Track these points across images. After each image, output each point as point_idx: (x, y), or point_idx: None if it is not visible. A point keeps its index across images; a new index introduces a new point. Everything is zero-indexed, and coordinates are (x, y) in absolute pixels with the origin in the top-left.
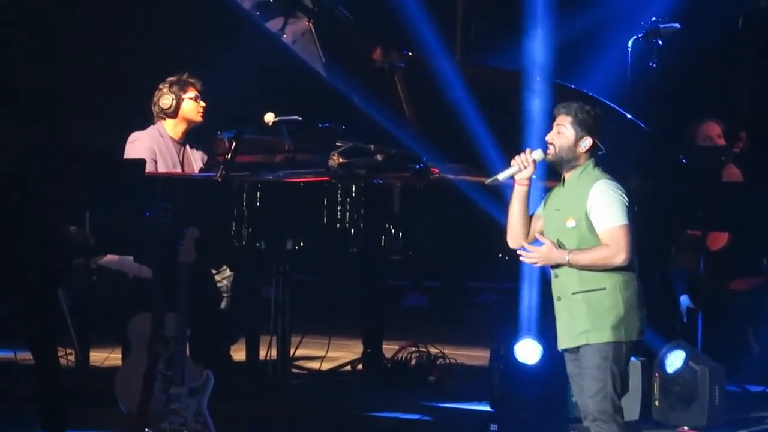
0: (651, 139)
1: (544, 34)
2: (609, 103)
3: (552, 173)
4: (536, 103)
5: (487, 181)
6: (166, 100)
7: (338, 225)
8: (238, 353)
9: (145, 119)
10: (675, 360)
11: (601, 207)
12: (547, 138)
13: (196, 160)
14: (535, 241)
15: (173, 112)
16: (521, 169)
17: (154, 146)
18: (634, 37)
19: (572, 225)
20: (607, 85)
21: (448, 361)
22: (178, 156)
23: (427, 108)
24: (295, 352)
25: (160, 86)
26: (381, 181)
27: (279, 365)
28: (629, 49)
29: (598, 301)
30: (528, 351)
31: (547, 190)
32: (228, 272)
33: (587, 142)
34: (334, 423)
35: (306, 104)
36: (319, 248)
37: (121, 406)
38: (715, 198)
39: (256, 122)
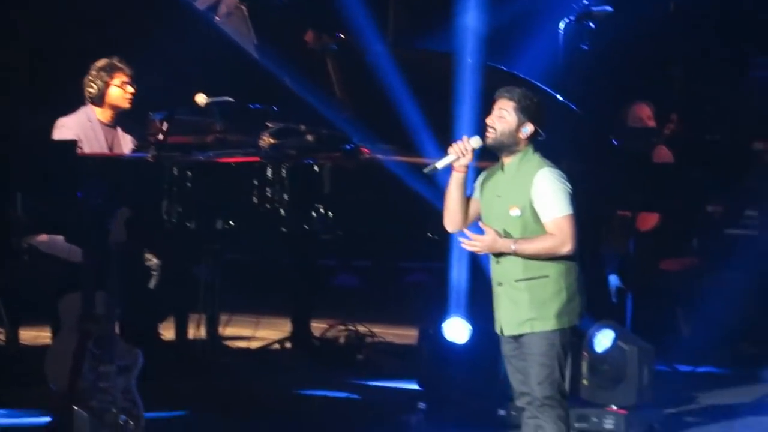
0: (582, 122)
1: (475, 16)
2: (540, 86)
3: (485, 155)
4: (468, 86)
5: (426, 169)
6: (91, 87)
7: (268, 205)
8: (168, 332)
9: (78, 101)
10: (604, 339)
11: (546, 197)
12: (488, 121)
13: (126, 143)
14: (473, 225)
15: (99, 99)
16: (459, 157)
17: (81, 133)
18: (566, 20)
19: (516, 214)
20: (539, 67)
21: (376, 340)
22: (107, 140)
23: (358, 90)
24: (224, 330)
25: (89, 71)
26: (311, 162)
27: (208, 344)
28: (561, 32)
29: (542, 288)
30: (456, 330)
31: (479, 171)
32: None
33: (528, 128)
34: (263, 402)
35: (237, 85)
36: (250, 228)
37: (51, 385)
38: (645, 179)
39: (187, 103)
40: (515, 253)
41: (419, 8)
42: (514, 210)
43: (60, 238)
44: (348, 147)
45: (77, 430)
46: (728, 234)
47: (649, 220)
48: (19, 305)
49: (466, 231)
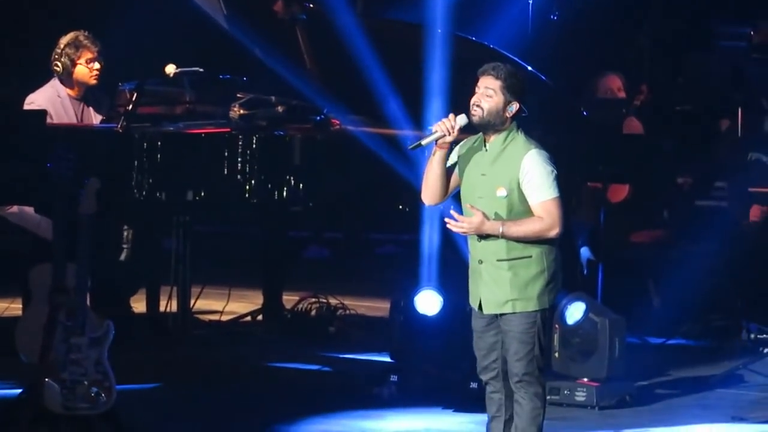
0: (552, 92)
1: None
2: (510, 56)
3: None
4: (437, 56)
5: (410, 146)
6: (57, 66)
7: (239, 176)
8: (139, 304)
9: (47, 71)
10: (575, 312)
11: (535, 179)
12: (474, 99)
13: (95, 116)
14: (450, 202)
15: (66, 77)
16: (445, 135)
17: (51, 109)
18: None
19: (503, 194)
20: (509, 37)
21: (348, 312)
22: (76, 115)
23: (328, 60)
24: (195, 303)
25: (56, 47)
26: (282, 133)
27: (179, 316)
28: (530, 2)
29: (525, 268)
30: (428, 302)
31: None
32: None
33: (514, 107)
34: (234, 374)
35: (207, 56)
36: (220, 200)
37: (22, 356)
38: (615, 151)
39: (157, 74)
40: (502, 236)
41: None
42: (500, 191)
43: (30, 209)
44: (318, 118)
45: (48, 402)
46: (698, 206)
47: (619, 192)
48: None
49: (453, 212)
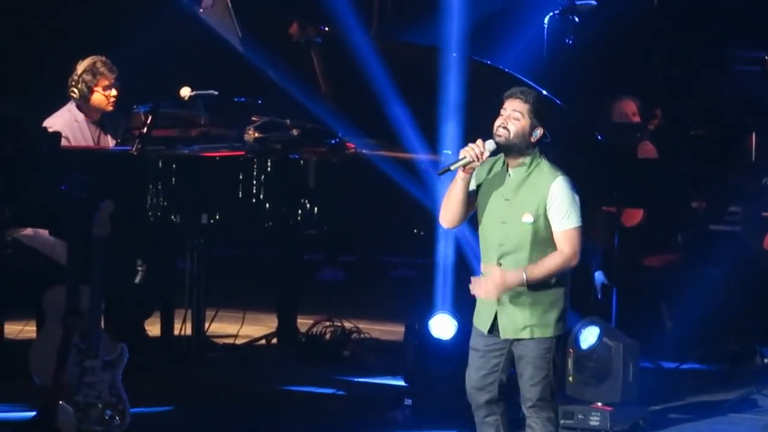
0: (567, 116)
1: (460, 9)
2: (525, 80)
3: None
4: (452, 80)
5: (439, 171)
6: (74, 92)
7: (254, 199)
8: (153, 327)
9: (60, 94)
10: (589, 336)
11: (563, 207)
12: (500, 122)
13: (112, 141)
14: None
15: (83, 103)
16: (474, 160)
17: (69, 134)
18: (551, 14)
19: (530, 220)
20: (523, 61)
21: (362, 336)
22: (93, 138)
23: (343, 83)
24: (209, 326)
25: (73, 73)
26: (296, 156)
27: (193, 339)
28: (545, 26)
29: (544, 295)
30: (443, 326)
31: None
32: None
33: (539, 132)
34: (248, 397)
35: (222, 78)
36: (235, 223)
37: (35, 379)
38: (630, 175)
39: (172, 96)
40: (527, 283)
41: (404, 1)
42: (526, 216)
43: (44, 232)
44: (333, 141)
45: (62, 425)
46: (712, 230)
47: (634, 216)
48: (2, 299)
49: (473, 278)
